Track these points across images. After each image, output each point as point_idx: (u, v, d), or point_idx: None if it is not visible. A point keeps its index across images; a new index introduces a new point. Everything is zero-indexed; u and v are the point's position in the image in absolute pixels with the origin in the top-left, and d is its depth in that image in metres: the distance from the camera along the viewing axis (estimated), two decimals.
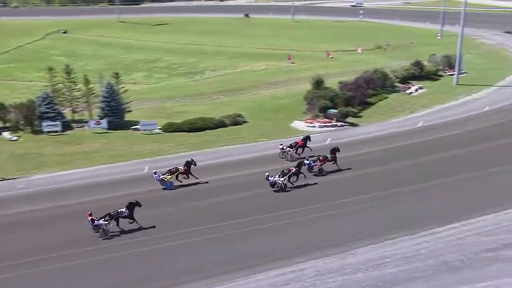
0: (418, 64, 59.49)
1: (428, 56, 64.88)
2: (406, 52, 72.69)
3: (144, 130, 40.13)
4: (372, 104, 48.42)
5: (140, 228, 24.37)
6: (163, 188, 29.11)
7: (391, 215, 26.04)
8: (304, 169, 29.55)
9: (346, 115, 44.23)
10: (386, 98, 50.52)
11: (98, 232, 23.89)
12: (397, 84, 54.80)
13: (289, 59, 50.92)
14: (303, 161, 30.43)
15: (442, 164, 32.90)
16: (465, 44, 62.24)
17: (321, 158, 31.10)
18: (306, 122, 42.90)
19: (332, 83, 49.55)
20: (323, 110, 43.86)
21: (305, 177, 29.48)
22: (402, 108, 48.24)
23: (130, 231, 24.22)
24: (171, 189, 29.13)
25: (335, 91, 46.56)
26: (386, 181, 30.08)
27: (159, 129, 40.47)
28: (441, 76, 60.48)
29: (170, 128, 40.38)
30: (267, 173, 28.79)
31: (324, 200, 27.52)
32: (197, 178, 29.83)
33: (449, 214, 25.70)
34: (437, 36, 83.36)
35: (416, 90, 54.10)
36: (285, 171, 28.87)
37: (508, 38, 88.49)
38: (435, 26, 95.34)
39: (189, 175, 29.74)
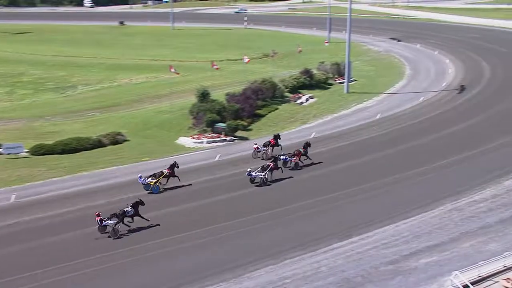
0: (307, 72, 62.04)
1: (317, 64, 68.06)
2: (295, 61, 75.67)
3: (8, 154, 37.38)
4: (262, 116, 49.44)
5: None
6: (148, 192, 31.13)
7: (290, 232, 26.56)
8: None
9: (235, 129, 44.64)
10: (276, 109, 51.89)
11: (106, 232, 26.10)
12: (287, 94, 56.56)
13: (171, 70, 50.58)
14: (278, 156, 34.73)
15: (336, 176, 34.35)
16: (353, 51, 66.27)
17: (295, 152, 35.57)
18: (193, 138, 42.62)
19: (218, 95, 49.91)
20: (211, 124, 43.90)
21: (282, 171, 33.84)
22: (293, 119, 49.87)
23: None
24: (158, 192, 31.32)
25: (223, 104, 46.90)
26: (278, 198, 30.69)
27: (26, 152, 37.90)
28: (331, 84, 63.69)
29: (40, 150, 38.02)
30: (249, 169, 32.55)
31: (214, 222, 27.46)
32: (180, 181, 32.56)
33: (348, 228, 26.80)
34: (325, 43, 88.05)
35: (307, 99, 56.29)
36: (264, 166, 32.88)
37: (394, 44, 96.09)
38: (322, 33, 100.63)
39: (173, 177, 32.23)
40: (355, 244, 25.33)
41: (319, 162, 36.43)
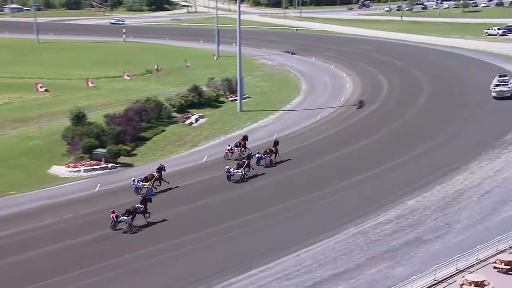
0: (196, 90, 62.23)
1: (206, 80, 68.52)
2: (182, 77, 75.68)
3: None
4: (147, 139, 48.84)
5: None
6: (141, 196, 33.32)
7: (186, 268, 26.31)
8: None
9: (118, 154, 43.59)
10: (163, 131, 51.52)
11: (118, 229, 29.93)
12: (174, 114, 56.36)
13: (39, 89, 48.25)
14: (251, 153, 40.43)
15: (234, 203, 34.63)
16: (245, 65, 67.62)
17: (267, 151, 41.34)
18: (68, 167, 40.95)
19: (96, 117, 48.61)
20: (88, 150, 42.48)
21: (253, 169, 39.15)
22: (182, 141, 49.65)
23: None
24: (152, 195, 34.15)
25: (101, 127, 45.72)
26: (173, 229, 30.45)
27: None
28: (222, 102, 64.35)
29: None
30: (227, 166, 38.25)
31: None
32: (168, 183, 36.85)
33: (246, 261, 26.93)
34: (214, 57, 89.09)
35: (197, 119, 56.35)
36: (240, 163, 38.47)
37: (288, 58, 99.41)
38: (210, 46, 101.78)
39: (161, 181, 36.57)
40: (255, 277, 25.52)
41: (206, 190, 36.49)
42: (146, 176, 36.25)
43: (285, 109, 62.02)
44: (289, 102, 65.47)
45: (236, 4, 65.19)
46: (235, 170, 38.01)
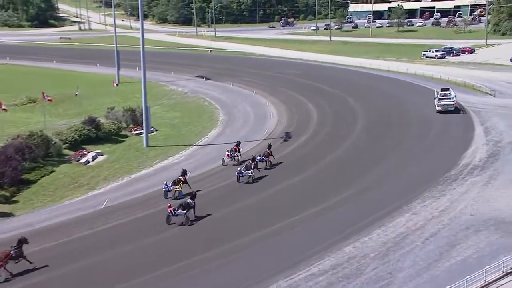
0: (93, 122, 61.28)
1: (105, 110, 67.56)
2: (74, 107, 74.35)
3: None
4: (33, 182, 47.70)
5: None
6: (172, 199, 42.69)
7: None
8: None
9: None
10: (52, 172, 50.42)
11: (172, 223, 38.04)
12: (66, 151, 55.31)
13: None
14: (255, 156, 50.50)
15: (136, 258, 34.16)
16: (151, 93, 67.40)
17: (266, 153, 51.55)
18: None
19: None
20: None
21: (258, 170, 49.08)
22: (77, 184, 48.59)
23: None
24: (182, 197, 42.79)
25: None
26: None
27: None
28: (125, 136, 63.58)
29: None
30: (239, 168, 47.91)
31: None
32: (190, 188, 43.78)
33: None
34: (114, 83, 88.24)
35: (94, 157, 55.35)
36: (247, 165, 48.32)
37: (202, 84, 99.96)
38: (109, 70, 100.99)
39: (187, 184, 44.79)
40: None
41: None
42: (174, 180, 44.80)
43: (200, 144, 62.03)
44: (204, 135, 65.60)
45: (138, 21, 64.76)
46: (246, 172, 47.27)
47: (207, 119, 73.72)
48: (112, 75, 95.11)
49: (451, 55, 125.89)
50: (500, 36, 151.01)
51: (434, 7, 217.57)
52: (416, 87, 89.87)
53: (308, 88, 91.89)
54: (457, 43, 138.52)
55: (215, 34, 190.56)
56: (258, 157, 50.78)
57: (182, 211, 38.62)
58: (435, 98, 72.50)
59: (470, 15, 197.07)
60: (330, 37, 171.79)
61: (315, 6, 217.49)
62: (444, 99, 71.31)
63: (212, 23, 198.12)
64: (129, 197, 45.02)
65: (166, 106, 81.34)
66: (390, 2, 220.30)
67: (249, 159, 50.36)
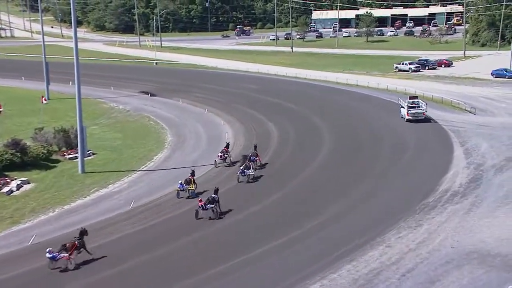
0: (17, 145, 60.25)
1: (32, 131, 66.63)
2: None
3: None
4: None
5: None
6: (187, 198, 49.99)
7: None
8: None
9: None
10: None
11: (200, 218, 45.17)
12: None
13: None
14: (249, 155, 59.52)
15: None
16: (88, 111, 66.85)
17: (255, 153, 59.93)
18: None
19: None
20: None
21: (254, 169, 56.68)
22: None
23: None
24: (195, 196, 49.76)
25: None
26: None
27: None
28: (57, 161, 62.76)
29: None
30: (241, 167, 55.65)
31: None
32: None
33: None
34: (43, 100, 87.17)
35: (19, 186, 54.44)
36: (246, 164, 56.22)
37: (147, 100, 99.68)
38: (37, 85, 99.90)
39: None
40: None
41: None
42: (186, 179, 51.07)
43: (145, 169, 61.63)
44: (150, 159, 65.19)
45: (71, 27, 63.13)
46: (247, 171, 55.18)
47: (153, 141, 73.36)
48: (40, 91, 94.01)
49: (427, 68, 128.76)
50: (480, 47, 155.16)
51: (406, 15, 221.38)
52: (388, 103, 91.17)
53: (267, 105, 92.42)
54: (433, 55, 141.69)
55: (161, 44, 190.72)
56: (252, 157, 59.18)
57: (211, 205, 45.69)
58: (402, 107, 79.60)
59: (446, 24, 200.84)
60: (291, 48, 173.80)
61: (274, 13, 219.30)
62: (414, 107, 77.89)
63: (157, 31, 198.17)
64: (62, 232, 44.20)
65: (105, 126, 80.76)
66: (358, 9, 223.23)
67: (239, 161, 58.81)
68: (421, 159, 60.82)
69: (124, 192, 53.62)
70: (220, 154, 61.72)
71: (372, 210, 47.10)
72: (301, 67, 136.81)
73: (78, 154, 60.97)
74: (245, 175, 54.99)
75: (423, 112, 77.18)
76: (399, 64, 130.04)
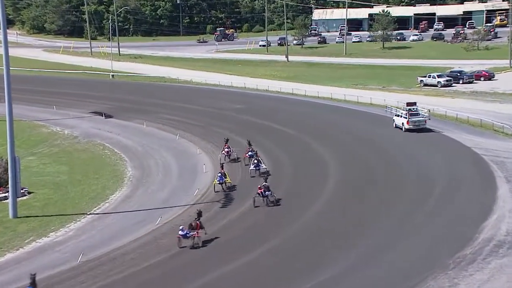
0: None
1: None
2: None
3: None
4: None
5: None
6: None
7: None
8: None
9: None
10: None
11: (256, 206, 59.17)
12: None
13: None
14: (255, 151, 73.58)
15: None
16: (22, 137, 66.48)
17: (256, 152, 73.34)
18: None
19: None
20: None
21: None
22: None
23: None
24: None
25: None
26: None
27: None
28: None
29: None
30: (255, 161, 69.83)
31: None
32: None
33: None
34: None
35: None
36: (255, 161, 69.72)
37: (101, 123, 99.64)
38: None
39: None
40: None
41: None
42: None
43: (97, 212, 61.29)
44: (104, 199, 64.82)
45: None
46: (260, 166, 69.23)
47: (108, 176, 73.16)
48: None
49: (461, 81, 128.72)
50: None
51: (434, 14, 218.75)
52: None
53: (256, 129, 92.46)
54: (469, 65, 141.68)
55: (119, 51, 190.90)
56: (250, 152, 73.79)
57: (269, 192, 59.61)
58: (397, 116, 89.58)
59: (486, 25, 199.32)
60: (287, 57, 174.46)
61: (264, 11, 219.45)
62: (415, 114, 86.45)
63: (113, 34, 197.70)
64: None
65: (46, 156, 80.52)
66: (372, 7, 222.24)
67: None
68: (454, 198, 60.61)
69: (69, 242, 53.29)
70: (226, 150, 75.74)
71: (392, 264, 46.74)
72: (299, 80, 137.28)
73: (9, 194, 60.57)
74: (258, 169, 67.57)
75: (425, 120, 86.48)
76: (425, 77, 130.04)
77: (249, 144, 75.27)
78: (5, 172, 62.24)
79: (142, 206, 61.86)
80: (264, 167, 69.68)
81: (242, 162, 74.53)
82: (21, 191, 62.97)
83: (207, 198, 63.88)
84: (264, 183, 60.39)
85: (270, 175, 67.08)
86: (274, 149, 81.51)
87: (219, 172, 66.20)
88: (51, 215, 60.00)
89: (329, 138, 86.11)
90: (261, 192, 59.39)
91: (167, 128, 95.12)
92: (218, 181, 65.04)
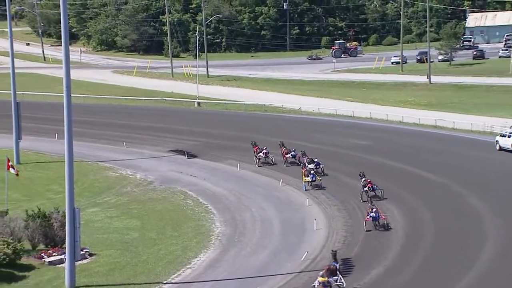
0: None
1: None
2: None
3: None
4: None
5: None
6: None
7: None
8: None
9: None
10: None
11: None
12: None
13: None
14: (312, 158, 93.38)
15: None
16: (84, 182, 67.02)
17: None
18: None
19: None
20: None
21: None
22: None
23: None
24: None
25: None
26: None
27: None
28: (29, 268, 62.86)
29: None
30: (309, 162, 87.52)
31: None
32: None
33: None
34: (9, 166, 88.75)
35: None
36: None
37: (181, 165, 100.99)
38: (1, 140, 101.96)
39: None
40: None
41: None
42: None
43: (176, 281, 61.90)
44: (185, 263, 65.35)
45: (60, 45, 61.40)
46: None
47: (190, 234, 73.79)
48: (5, 149, 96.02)
49: None
50: None
51: None
52: None
53: (386, 174, 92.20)
54: None
55: (208, 71, 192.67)
56: (293, 153, 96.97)
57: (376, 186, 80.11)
58: (502, 136, 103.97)
59: None
60: (429, 77, 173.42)
61: (399, 18, 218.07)
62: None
63: (201, 50, 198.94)
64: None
65: (113, 207, 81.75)
66: None
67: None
68: None
69: None
70: (264, 151, 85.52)
71: None
72: (445, 109, 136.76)
73: (66, 256, 61.58)
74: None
75: None
76: None
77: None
78: (62, 228, 62.99)
79: (234, 274, 62.16)
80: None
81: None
82: (81, 252, 63.52)
83: (317, 264, 63.79)
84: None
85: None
86: (410, 199, 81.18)
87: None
88: (118, 285, 60.85)
89: (493, 190, 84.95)
90: (371, 186, 74.12)
91: (266, 172, 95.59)
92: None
